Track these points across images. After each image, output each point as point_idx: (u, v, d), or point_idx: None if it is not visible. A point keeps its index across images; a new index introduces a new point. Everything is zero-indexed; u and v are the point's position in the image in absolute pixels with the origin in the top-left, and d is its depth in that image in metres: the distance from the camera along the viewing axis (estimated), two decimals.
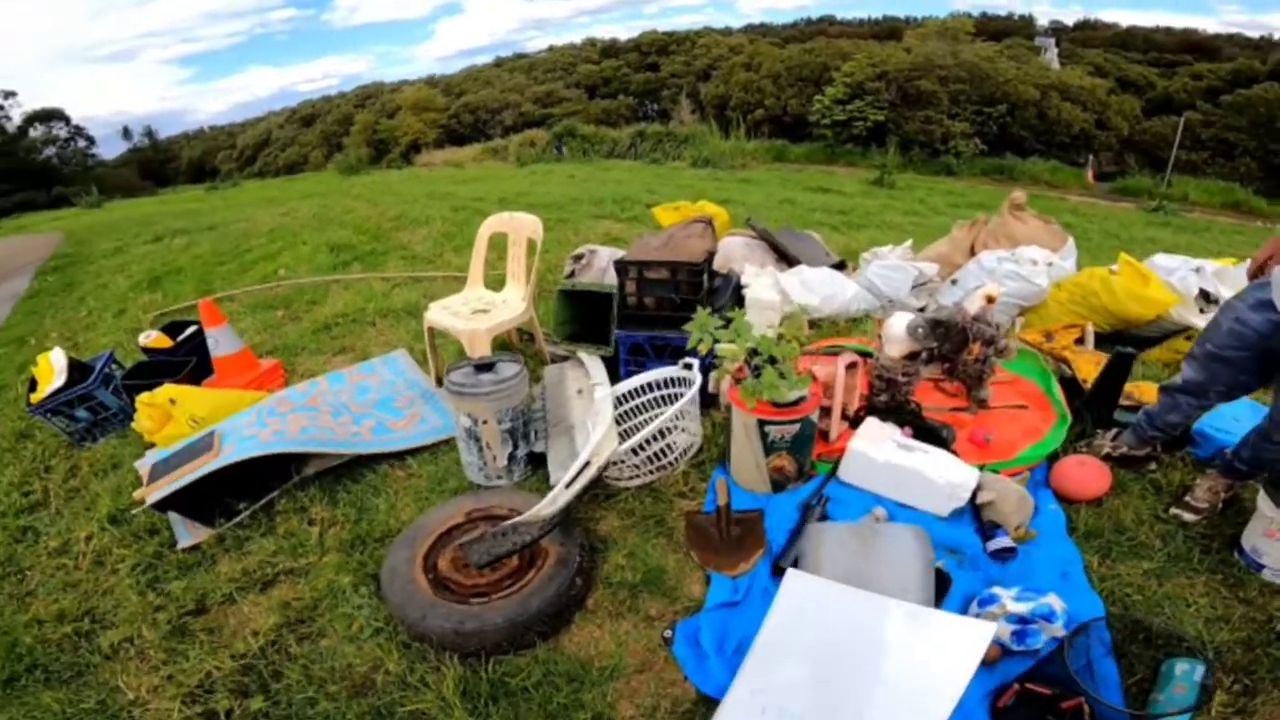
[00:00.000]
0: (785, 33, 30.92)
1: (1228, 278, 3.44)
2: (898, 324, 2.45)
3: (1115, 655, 1.55)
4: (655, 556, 1.88)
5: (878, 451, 2.01)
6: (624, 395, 2.36)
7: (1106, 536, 1.94)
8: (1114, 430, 2.28)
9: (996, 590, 1.60)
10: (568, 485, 1.64)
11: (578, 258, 3.83)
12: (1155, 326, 3.14)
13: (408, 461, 2.42)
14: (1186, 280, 3.12)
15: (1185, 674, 1.45)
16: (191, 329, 3.40)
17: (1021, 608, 1.52)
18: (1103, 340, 3.20)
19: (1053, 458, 2.22)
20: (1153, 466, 2.22)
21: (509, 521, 1.59)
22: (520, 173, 13.09)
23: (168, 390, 2.65)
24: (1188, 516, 2.00)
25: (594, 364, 2.59)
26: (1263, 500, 1.80)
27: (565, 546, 1.71)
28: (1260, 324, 1.76)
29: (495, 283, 3.20)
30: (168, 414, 2.65)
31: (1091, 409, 2.40)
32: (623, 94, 26.70)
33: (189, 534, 2.14)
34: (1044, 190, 13.09)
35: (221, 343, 3.06)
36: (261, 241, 6.49)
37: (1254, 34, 25.93)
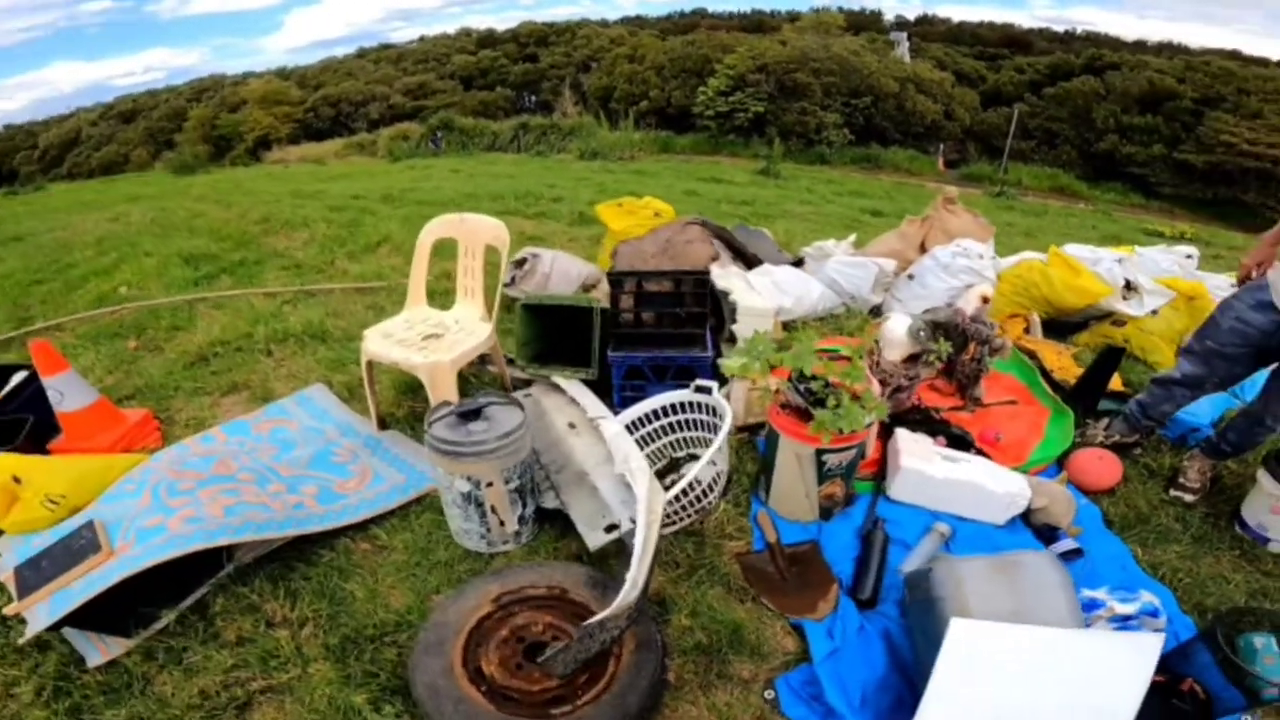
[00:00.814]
0: (661, 25, 31.22)
1: (1129, 266, 3.77)
2: (898, 327, 2.37)
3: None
4: (722, 611, 1.67)
5: (933, 468, 1.94)
6: (631, 425, 2.08)
7: (1137, 527, 2.00)
8: (1104, 420, 2.35)
9: (1093, 594, 1.61)
10: (640, 560, 1.36)
11: (519, 263, 3.46)
12: (1082, 313, 3.36)
13: (371, 530, 1.98)
14: (1113, 271, 3.35)
15: (1266, 646, 1.49)
16: (19, 376, 2.63)
17: (1128, 609, 1.55)
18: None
19: (1062, 453, 2.26)
20: (1138, 451, 2.32)
21: (591, 621, 1.30)
22: (396, 168, 12.14)
23: (6, 463, 2.01)
24: (1187, 498, 2.12)
25: (580, 391, 2.29)
26: (1265, 478, 1.93)
27: (641, 625, 1.45)
28: (1263, 323, 1.86)
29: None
30: (13, 494, 2.00)
31: (1078, 400, 2.47)
32: (501, 85, 25.63)
33: (97, 650, 1.61)
34: (905, 178, 14.19)
35: (68, 395, 2.37)
36: (89, 254, 5.31)
37: (1060, 28, 29.68)
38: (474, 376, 2.80)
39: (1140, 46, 23.98)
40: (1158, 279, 3.42)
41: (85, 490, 1.97)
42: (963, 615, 1.32)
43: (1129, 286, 3.34)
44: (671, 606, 1.69)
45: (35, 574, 1.66)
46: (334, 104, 24.89)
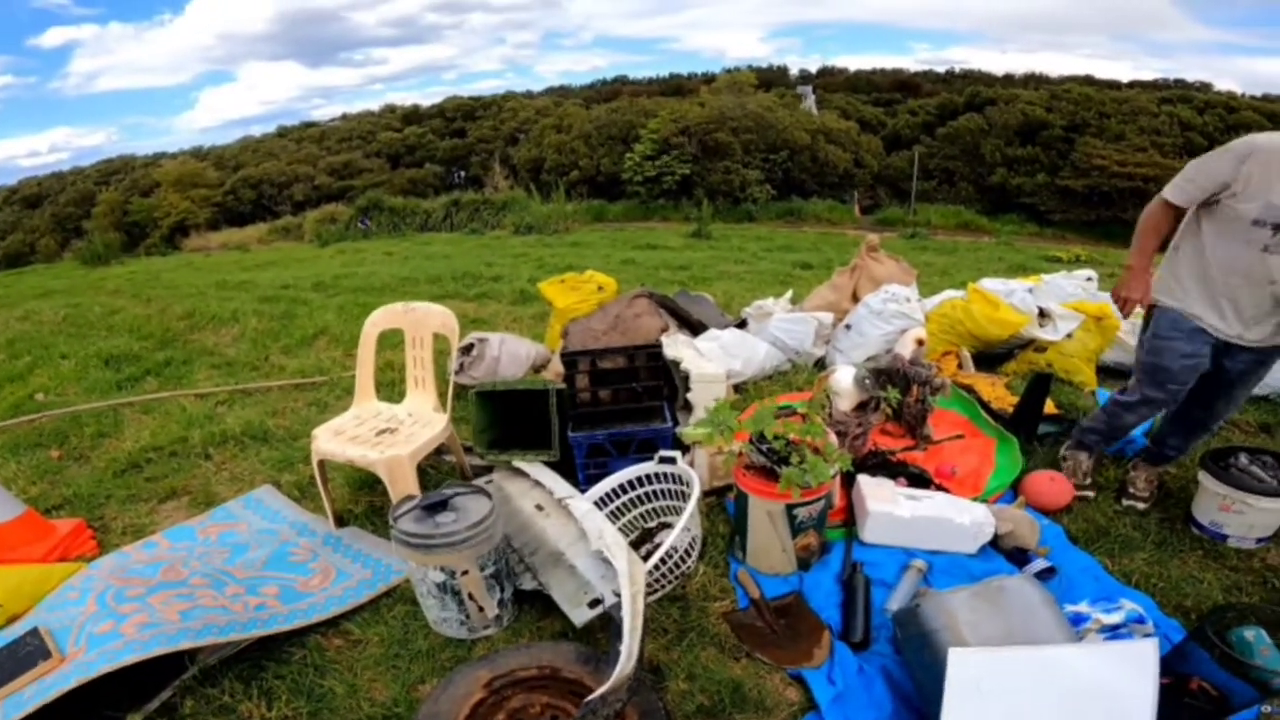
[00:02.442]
0: (584, 93, 32.25)
1: (1039, 294, 4.08)
2: (845, 378, 2.48)
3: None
4: (719, 671, 1.66)
5: (899, 509, 2.02)
6: (599, 501, 2.08)
7: (1100, 539, 2.11)
8: (1068, 462, 2.40)
9: (1075, 608, 1.68)
10: (631, 631, 1.36)
11: (466, 349, 3.44)
12: (1005, 344, 3.59)
13: (342, 626, 1.91)
14: (1026, 301, 3.62)
15: (1258, 638, 1.53)
16: None
17: (1114, 618, 1.63)
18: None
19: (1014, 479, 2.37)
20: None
21: (593, 696, 1.28)
22: (326, 253, 11.93)
23: None
24: (1140, 505, 2.26)
25: (543, 473, 2.27)
26: (1206, 479, 2.08)
27: (640, 695, 1.42)
28: (1203, 348, 1.97)
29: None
30: None
31: (1018, 427, 2.61)
32: (429, 162, 25.55)
33: None
34: (827, 228, 14.95)
35: None
36: (0, 358, 5.03)
37: (941, 69, 32.40)
38: (432, 468, 2.74)
39: (1010, 80, 26.41)
40: (1065, 304, 3.71)
41: (22, 598, 1.92)
42: (958, 644, 1.35)
43: (1043, 314, 3.61)
44: (667, 673, 1.68)
45: None
46: (255, 185, 24.19)
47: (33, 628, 1.68)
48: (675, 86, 30.03)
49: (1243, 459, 2.16)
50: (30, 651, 1.60)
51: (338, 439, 2.30)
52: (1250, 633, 1.55)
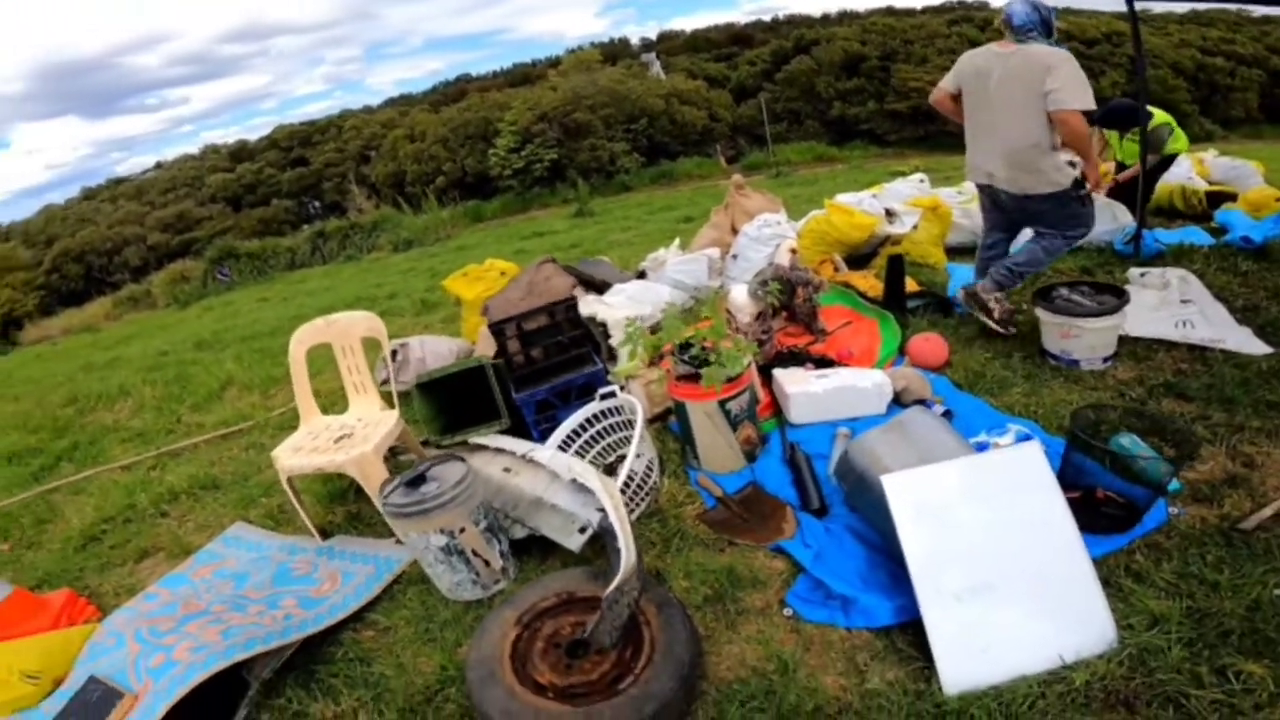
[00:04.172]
0: (430, 98, 30.79)
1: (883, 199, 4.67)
2: (740, 294, 2.84)
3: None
4: (710, 563, 1.89)
5: (814, 387, 2.36)
6: (559, 448, 2.31)
7: (979, 383, 2.51)
8: (991, 301, 2.80)
9: (975, 440, 2.02)
10: (622, 529, 1.58)
11: (389, 357, 3.53)
12: (868, 244, 4.13)
13: (367, 619, 2.04)
14: (873, 205, 4.17)
15: (1134, 444, 1.70)
16: None
17: (1008, 440, 1.97)
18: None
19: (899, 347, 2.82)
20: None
21: (610, 589, 1.46)
22: (190, 314, 11.05)
23: None
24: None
25: (501, 440, 2.46)
26: (1041, 313, 2.51)
27: (650, 590, 1.63)
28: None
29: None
30: None
31: (892, 305, 3.09)
32: (275, 198, 23.80)
33: None
34: (700, 183, 15.54)
35: None
36: None
37: (767, 17, 33.93)
38: (392, 471, 2.85)
39: (828, 20, 28.09)
40: (906, 202, 4.30)
41: (56, 663, 1.93)
42: (885, 473, 1.56)
43: (890, 214, 4.17)
44: (667, 576, 1.91)
45: None
46: (79, 258, 21.78)
47: (89, 677, 1.70)
48: (523, 75, 29.48)
49: (1064, 291, 2.58)
50: (102, 695, 1.63)
51: (299, 454, 2.39)
52: (1126, 439, 1.69)
